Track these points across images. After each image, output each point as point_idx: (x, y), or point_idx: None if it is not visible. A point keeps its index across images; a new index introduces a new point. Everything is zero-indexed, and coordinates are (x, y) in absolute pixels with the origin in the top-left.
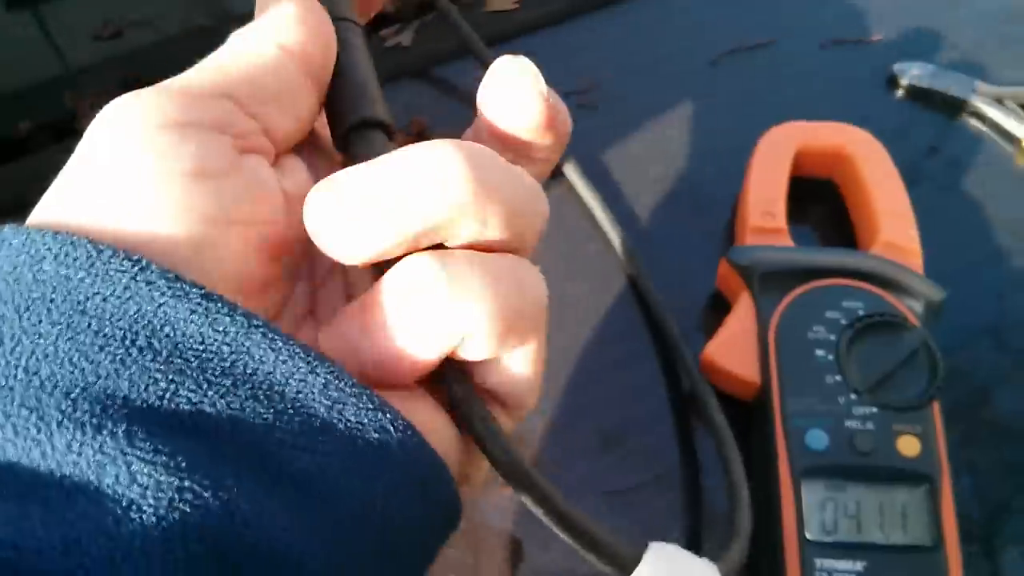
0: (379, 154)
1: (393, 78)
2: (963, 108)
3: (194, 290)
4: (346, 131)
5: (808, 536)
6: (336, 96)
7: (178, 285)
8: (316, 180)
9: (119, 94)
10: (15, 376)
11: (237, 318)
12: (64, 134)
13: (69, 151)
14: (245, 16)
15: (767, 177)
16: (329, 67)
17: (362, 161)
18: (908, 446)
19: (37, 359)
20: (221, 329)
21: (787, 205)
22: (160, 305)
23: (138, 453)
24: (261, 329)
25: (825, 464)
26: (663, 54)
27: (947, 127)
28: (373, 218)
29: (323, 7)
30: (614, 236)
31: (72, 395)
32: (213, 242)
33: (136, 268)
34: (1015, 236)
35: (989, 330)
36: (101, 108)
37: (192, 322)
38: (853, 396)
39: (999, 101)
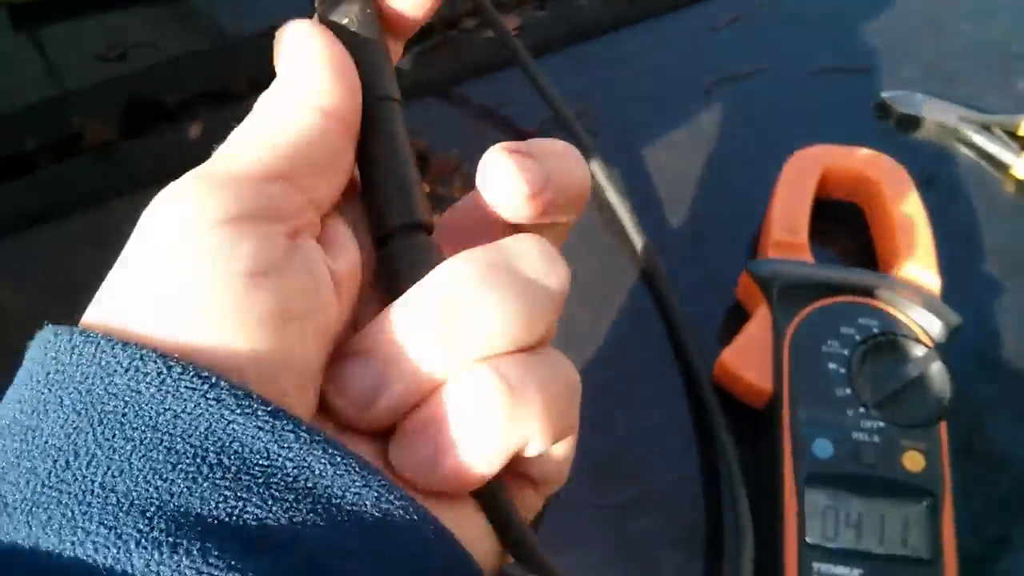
0: (429, 265)
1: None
2: (952, 136)
3: (261, 407)
4: (390, 231)
5: (808, 540)
6: (376, 186)
7: (246, 402)
8: (356, 243)
9: (122, 114)
10: (92, 492)
11: (301, 434)
12: (68, 153)
13: (73, 169)
14: (248, 37)
15: (792, 196)
16: (359, 118)
17: (409, 275)
18: (913, 462)
19: (113, 475)
20: (286, 445)
21: (810, 225)
22: (229, 422)
23: (213, 571)
24: (322, 444)
25: (829, 472)
26: (658, 81)
27: (936, 155)
28: (434, 349)
29: (355, 68)
30: (637, 240)
31: (148, 513)
32: (275, 342)
33: (205, 385)
34: (1004, 262)
35: (974, 354)
36: (103, 128)
37: (259, 439)
38: (862, 410)
39: (987, 129)
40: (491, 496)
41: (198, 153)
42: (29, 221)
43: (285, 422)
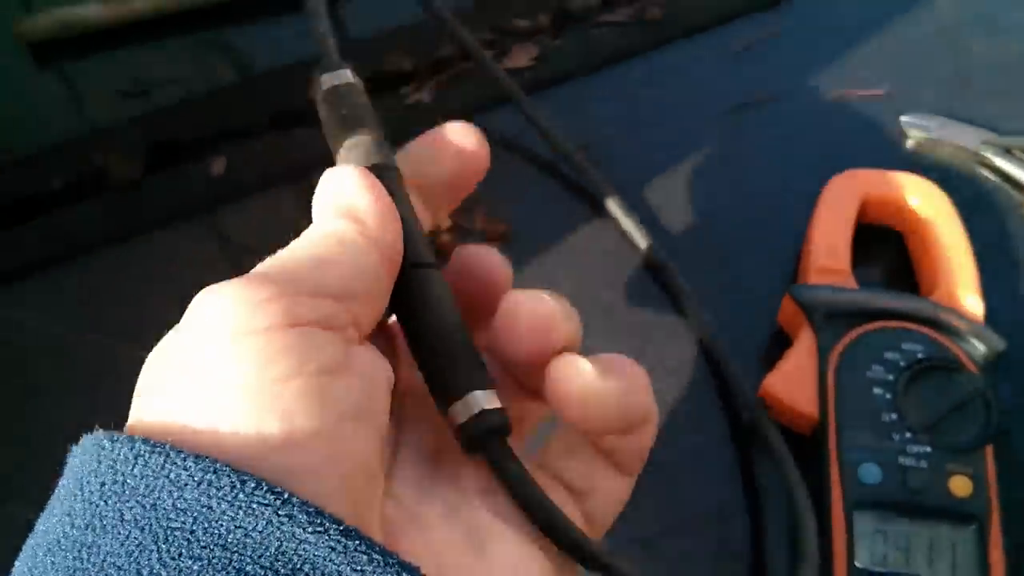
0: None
1: (416, 134)
2: (973, 159)
3: (333, 526)
4: (466, 427)
5: (857, 564)
6: (431, 356)
7: (318, 520)
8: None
9: (145, 151)
10: None
11: (374, 556)
12: (93, 190)
13: (98, 207)
14: (268, 74)
15: (832, 221)
16: (400, 256)
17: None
18: (960, 486)
19: None
20: (359, 568)
21: (852, 250)
22: (301, 542)
23: None
24: (395, 567)
25: (877, 498)
26: (676, 108)
27: (956, 178)
28: None
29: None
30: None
31: None
32: (346, 442)
33: (278, 501)
34: None
35: (1019, 378)
36: (127, 165)
37: (331, 560)
38: (908, 435)
39: (1008, 151)
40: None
41: (221, 189)
42: (53, 259)
43: (358, 542)
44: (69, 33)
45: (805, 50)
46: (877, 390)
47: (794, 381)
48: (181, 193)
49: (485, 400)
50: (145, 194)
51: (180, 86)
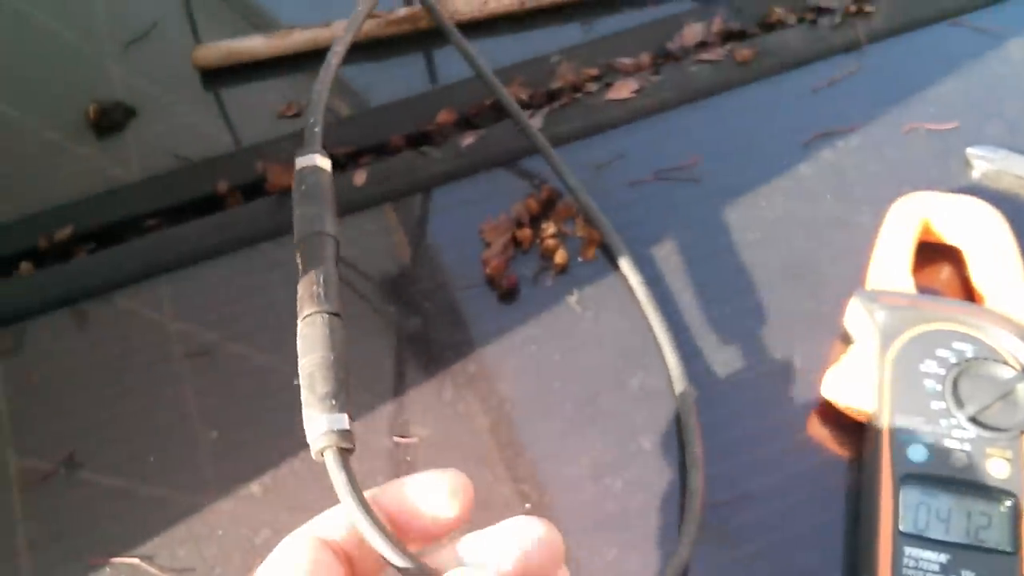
0: None
1: (529, 155)
2: None
3: None
4: (316, 440)
5: (901, 528)
6: (309, 379)
7: None
8: None
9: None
10: None
11: None
12: (253, 194)
13: (258, 208)
14: (404, 101)
15: (897, 235)
16: None
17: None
18: (998, 467)
19: None
20: None
21: (914, 262)
22: None
23: None
24: None
25: (923, 473)
26: (759, 136)
27: (1016, 205)
28: None
29: None
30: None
31: None
32: None
33: None
34: None
35: None
36: (281, 174)
37: None
38: (954, 421)
39: None
40: None
41: (361, 197)
42: (220, 251)
43: None
44: (235, 60)
45: (880, 87)
46: (928, 382)
47: (854, 374)
48: None
49: (337, 422)
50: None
51: (329, 110)
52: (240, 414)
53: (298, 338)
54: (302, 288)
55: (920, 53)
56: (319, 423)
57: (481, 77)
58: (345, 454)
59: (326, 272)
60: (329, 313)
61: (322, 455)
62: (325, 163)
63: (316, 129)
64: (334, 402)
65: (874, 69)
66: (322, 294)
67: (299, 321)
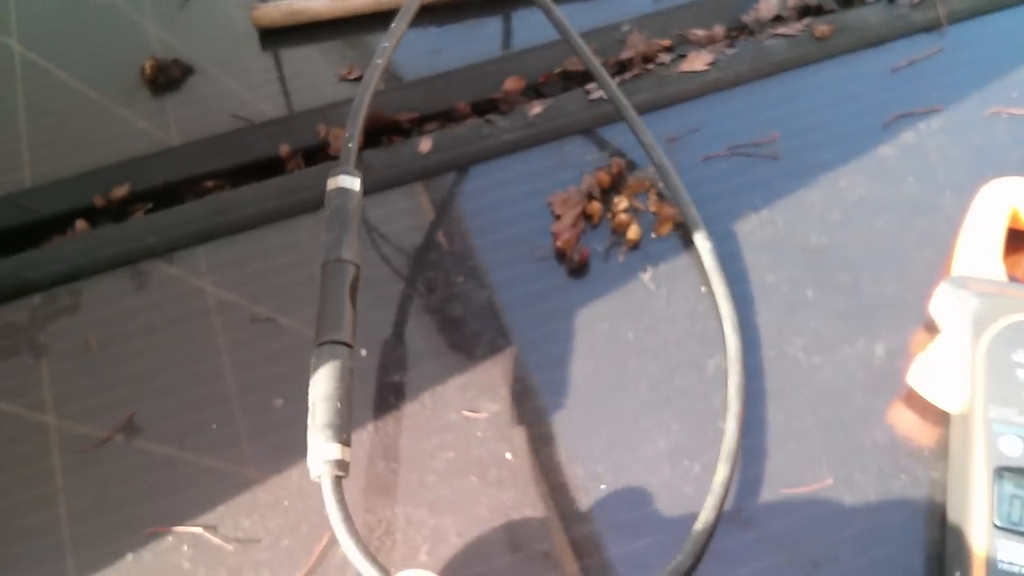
0: None
1: (601, 125)
2: None
3: None
4: (314, 465)
5: (996, 523)
6: (313, 413)
7: None
8: None
9: (363, 127)
10: None
11: None
12: (315, 157)
13: (320, 172)
14: (469, 67)
15: (985, 221)
16: None
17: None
18: None
19: None
20: None
21: (1003, 248)
22: None
23: None
24: None
25: (1016, 467)
26: (838, 114)
27: None
28: None
29: None
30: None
31: None
32: None
33: None
34: None
35: None
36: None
37: None
38: None
39: None
40: None
41: (427, 165)
42: (282, 215)
43: None
44: (296, 21)
45: (961, 70)
46: (1021, 372)
47: (943, 363)
48: (392, 165)
49: (332, 452)
50: (362, 163)
51: (388, 73)
52: (306, 381)
53: (310, 366)
54: (319, 315)
55: (1002, 35)
56: (316, 452)
57: (567, 40)
58: (338, 480)
59: (340, 301)
60: (339, 343)
61: (318, 479)
62: (354, 183)
63: (350, 145)
64: (331, 432)
65: (955, 50)
66: (335, 323)
67: (315, 347)
